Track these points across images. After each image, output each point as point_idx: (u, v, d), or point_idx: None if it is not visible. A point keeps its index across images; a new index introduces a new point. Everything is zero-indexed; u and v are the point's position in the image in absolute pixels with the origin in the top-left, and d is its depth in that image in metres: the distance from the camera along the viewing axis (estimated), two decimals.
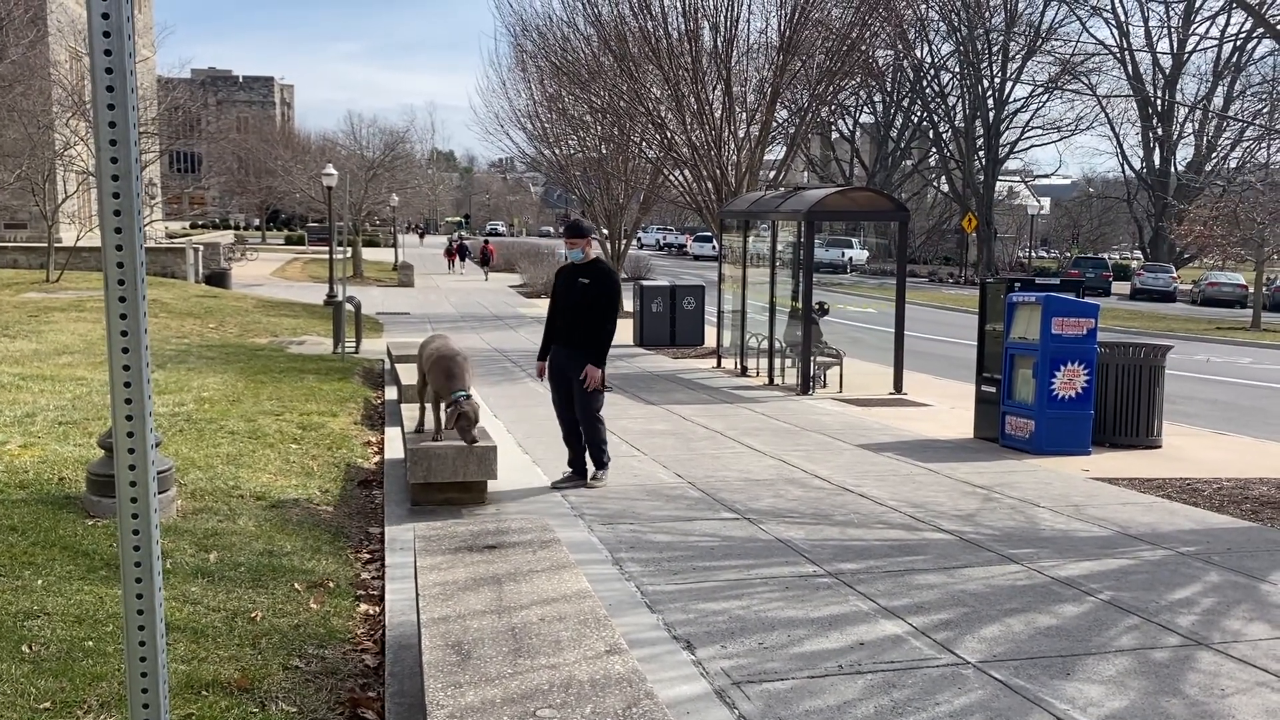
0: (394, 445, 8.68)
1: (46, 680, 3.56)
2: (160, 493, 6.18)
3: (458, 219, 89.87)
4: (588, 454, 7.39)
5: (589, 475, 7.37)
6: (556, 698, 2.57)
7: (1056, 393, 9.15)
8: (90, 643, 3.92)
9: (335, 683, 3.95)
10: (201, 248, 32.20)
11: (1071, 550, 5.83)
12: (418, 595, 3.52)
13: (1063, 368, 9.15)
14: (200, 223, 68.00)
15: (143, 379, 1.84)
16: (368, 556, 5.84)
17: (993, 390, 9.82)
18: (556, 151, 29.22)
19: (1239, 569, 5.52)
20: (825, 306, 14.26)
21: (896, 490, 7.40)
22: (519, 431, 9.63)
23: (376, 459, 8.54)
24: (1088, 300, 9.61)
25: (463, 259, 51.57)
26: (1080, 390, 9.19)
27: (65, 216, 28.50)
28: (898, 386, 13.38)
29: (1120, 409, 9.65)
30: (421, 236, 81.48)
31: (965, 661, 4.09)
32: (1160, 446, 9.62)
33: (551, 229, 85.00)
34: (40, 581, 4.56)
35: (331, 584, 5.12)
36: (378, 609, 4.90)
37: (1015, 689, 3.83)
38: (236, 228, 69.56)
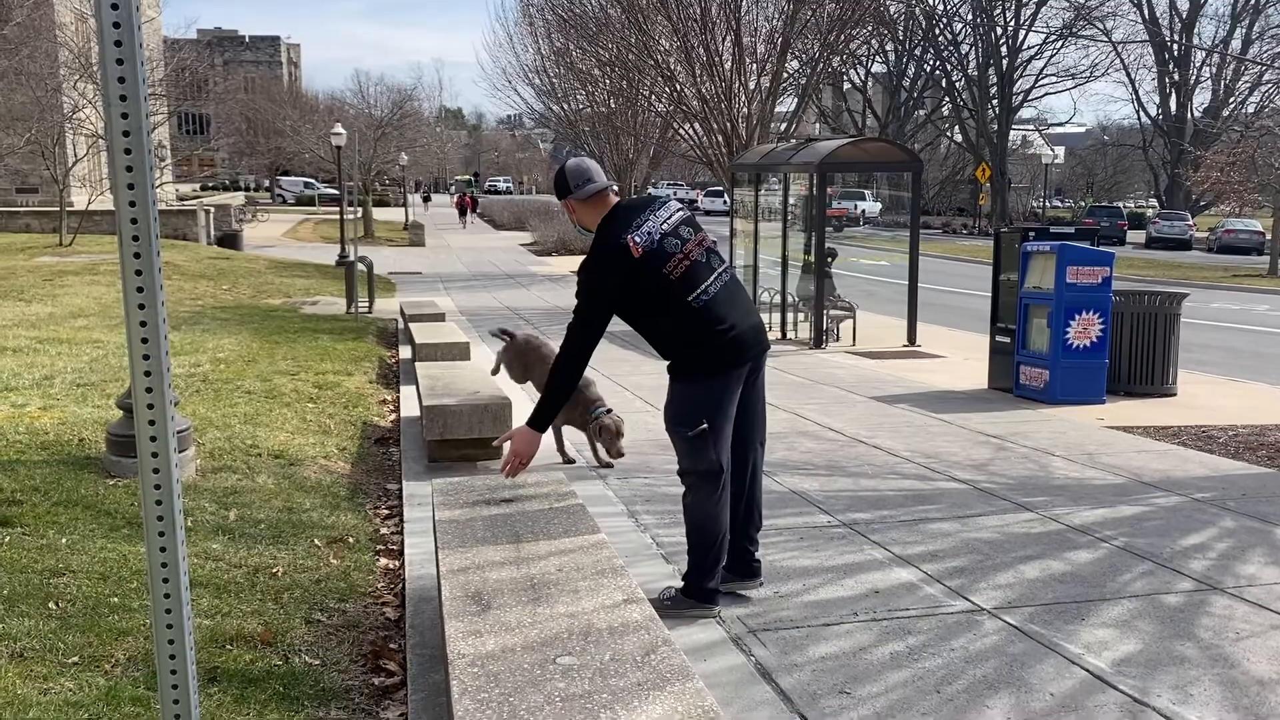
0: (409, 403, 8.73)
1: (74, 636, 3.62)
2: (179, 452, 6.26)
3: (467, 177, 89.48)
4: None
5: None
6: (576, 644, 2.61)
7: (1071, 342, 9.11)
8: (115, 599, 3.99)
9: (357, 635, 4.01)
10: (213, 209, 32.19)
11: (1085, 498, 5.84)
12: (437, 548, 3.56)
13: (1077, 317, 9.11)
14: (210, 185, 67.85)
15: (160, 339, 1.86)
16: (386, 512, 5.90)
17: (1007, 340, 9.79)
18: (565, 107, 29.07)
19: (1254, 514, 5.53)
20: (834, 253, 14.16)
21: (910, 441, 7.41)
22: (532, 389, 9.65)
23: (392, 417, 8.59)
24: (1102, 249, 9.54)
25: (474, 210, 52.50)
26: (1095, 339, 9.15)
27: (76, 180, 28.49)
28: (911, 339, 13.35)
29: (1135, 357, 9.61)
30: (426, 200, 68.35)
31: (979, 608, 4.13)
32: (1175, 395, 9.59)
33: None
34: (64, 540, 4.63)
35: (351, 539, 5.18)
36: (397, 563, 4.95)
37: (1029, 634, 3.86)
38: (246, 189, 69.40)
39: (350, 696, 3.48)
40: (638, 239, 3.86)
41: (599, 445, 6.60)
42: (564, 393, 4.01)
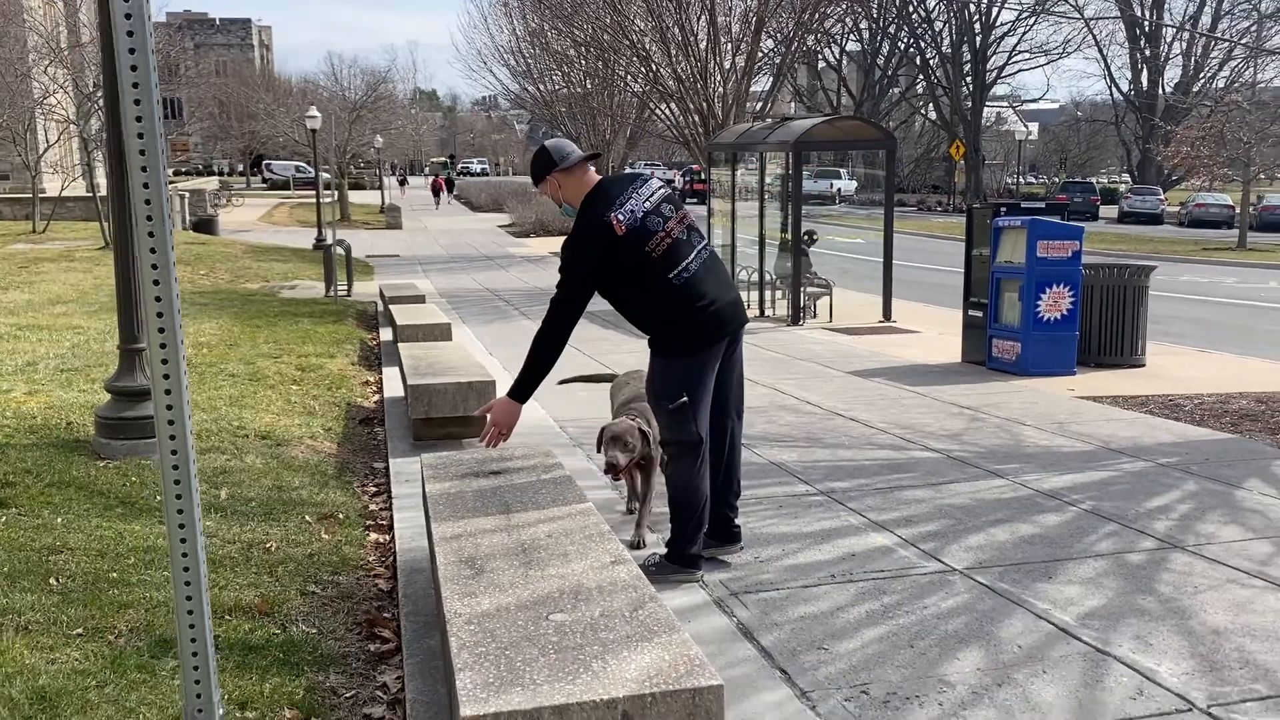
0: (392, 384, 8.82)
1: (76, 609, 3.73)
2: None
3: (443, 159, 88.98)
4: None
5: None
6: (567, 603, 2.75)
7: (1042, 315, 9.30)
8: (114, 574, 4.09)
9: (351, 605, 4.13)
10: (187, 194, 31.97)
11: (1055, 464, 6.03)
12: (429, 518, 3.68)
13: (1048, 290, 9.29)
14: (184, 169, 67.23)
15: (175, 324, 1.96)
16: (374, 489, 6.01)
17: (979, 314, 9.97)
18: (541, 88, 28.99)
19: (1216, 477, 5.73)
20: (814, 235, 14.33)
21: (885, 413, 7.58)
22: (515, 368, 9.76)
23: (375, 398, 8.68)
24: (1072, 223, 9.72)
25: (450, 191, 53.12)
26: (1065, 312, 9.34)
27: (48, 166, 28.24)
28: (886, 315, 13.53)
29: (1105, 329, 9.82)
30: (403, 184, 64.84)
31: (951, 568, 4.29)
32: (1144, 365, 9.80)
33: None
34: (59, 519, 4.72)
35: (341, 515, 5.29)
36: (387, 537, 5.07)
37: (999, 592, 4.03)
38: (220, 174, 68.83)
39: (348, 662, 3.60)
40: (620, 217, 3.97)
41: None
42: (545, 366, 4.10)
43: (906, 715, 3.06)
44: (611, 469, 4.43)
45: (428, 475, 4.17)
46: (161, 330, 1.95)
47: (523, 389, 4.13)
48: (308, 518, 5.19)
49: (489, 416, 4.18)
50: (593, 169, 4.24)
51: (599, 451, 4.54)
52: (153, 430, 6.15)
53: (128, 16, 1.77)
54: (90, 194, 23.56)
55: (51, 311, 12.66)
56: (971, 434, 6.90)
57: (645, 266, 3.98)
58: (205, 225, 30.14)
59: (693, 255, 4.08)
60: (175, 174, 61.48)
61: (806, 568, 4.32)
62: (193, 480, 2.11)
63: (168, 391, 1.99)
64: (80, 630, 3.56)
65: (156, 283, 1.94)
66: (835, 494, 5.41)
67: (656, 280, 4.00)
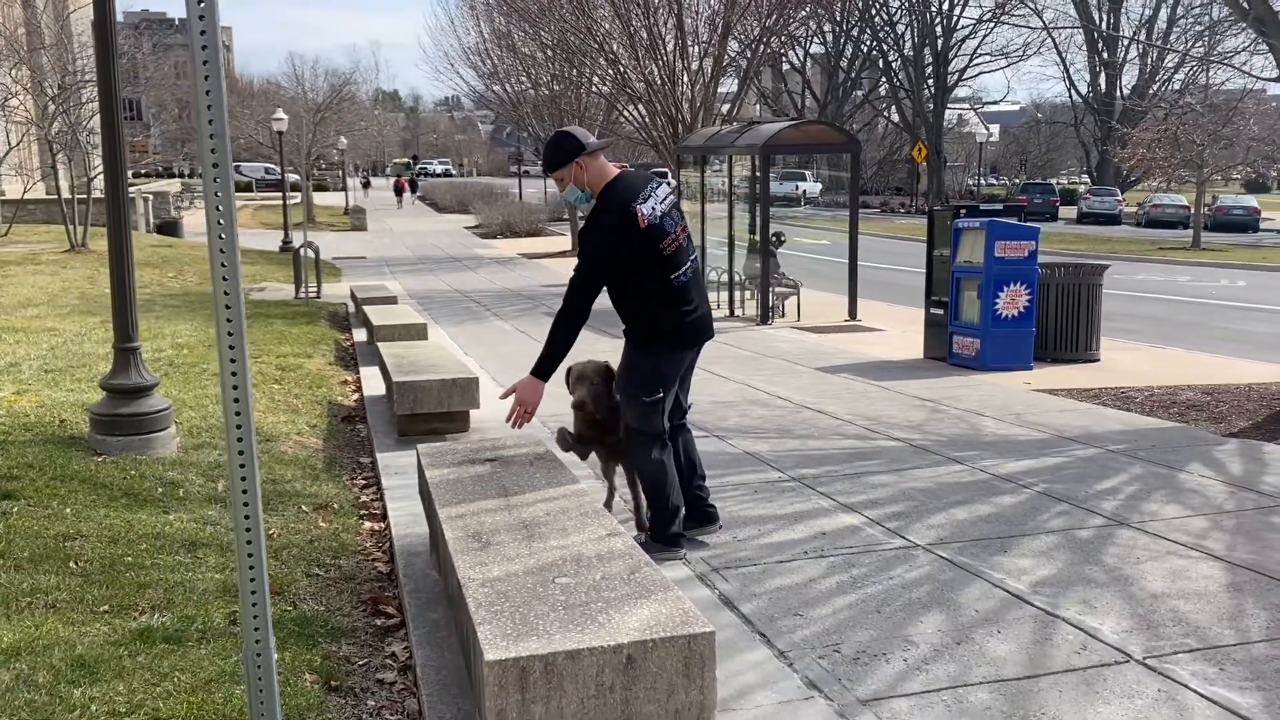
0: (371, 383, 9.05)
1: (98, 589, 3.95)
2: (161, 430, 6.54)
3: (405, 160, 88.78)
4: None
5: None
6: (570, 569, 3.03)
7: (1000, 312, 9.70)
8: (130, 559, 4.31)
9: (354, 586, 4.38)
10: (151, 197, 31.82)
11: (1011, 451, 6.39)
12: (432, 500, 3.94)
13: (1006, 288, 9.69)
14: (144, 171, 66.59)
15: (241, 334, 2.20)
16: (363, 482, 6.25)
17: (940, 312, 10.36)
18: (508, 88, 29.15)
19: (1160, 461, 6.11)
20: (782, 237, 14.71)
21: (852, 406, 7.92)
22: (491, 367, 10.02)
23: (355, 396, 8.90)
24: (1029, 224, 10.14)
25: (413, 191, 54.50)
26: (1022, 309, 9.75)
27: (8, 169, 28.01)
28: (852, 314, 13.93)
29: (1061, 326, 10.24)
30: (366, 186, 63.62)
31: (914, 544, 4.62)
32: (1099, 360, 10.23)
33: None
34: (68, 510, 4.93)
35: (335, 506, 5.53)
36: (381, 525, 5.32)
37: (958, 564, 4.36)
38: (181, 175, 68.16)
39: (357, 635, 3.86)
40: (644, 211, 4.20)
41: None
42: (565, 345, 4.24)
43: (875, 669, 3.38)
44: (580, 406, 4.58)
45: (426, 463, 4.43)
46: (230, 334, 2.19)
47: (545, 367, 4.26)
48: (304, 508, 5.42)
49: (513, 397, 4.27)
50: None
51: (570, 391, 4.66)
52: (147, 426, 6.37)
53: (202, 33, 2.03)
54: (54, 196, 23.45)
55: (24, 314, 12.72)
56: (933, 424, 7.26)
57: (655, 263, 4.23)
58: (169, 228, 30.06)
59: (689, 262, 4.38)
60: (135, 176, 60.89)
61: (781, 545, 4.63)
62: (255, 474, 2.36)
63: (235, 387, 2.23)
64: (106, 607, 3.79)
65: (228, 307, 2.17)
66: (806, 480, 5.73)
67: (660, 278, 4.25)
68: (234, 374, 2.20)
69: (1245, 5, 7.58)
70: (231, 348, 2.17)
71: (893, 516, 5.04)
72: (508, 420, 4.32)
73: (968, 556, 4.46)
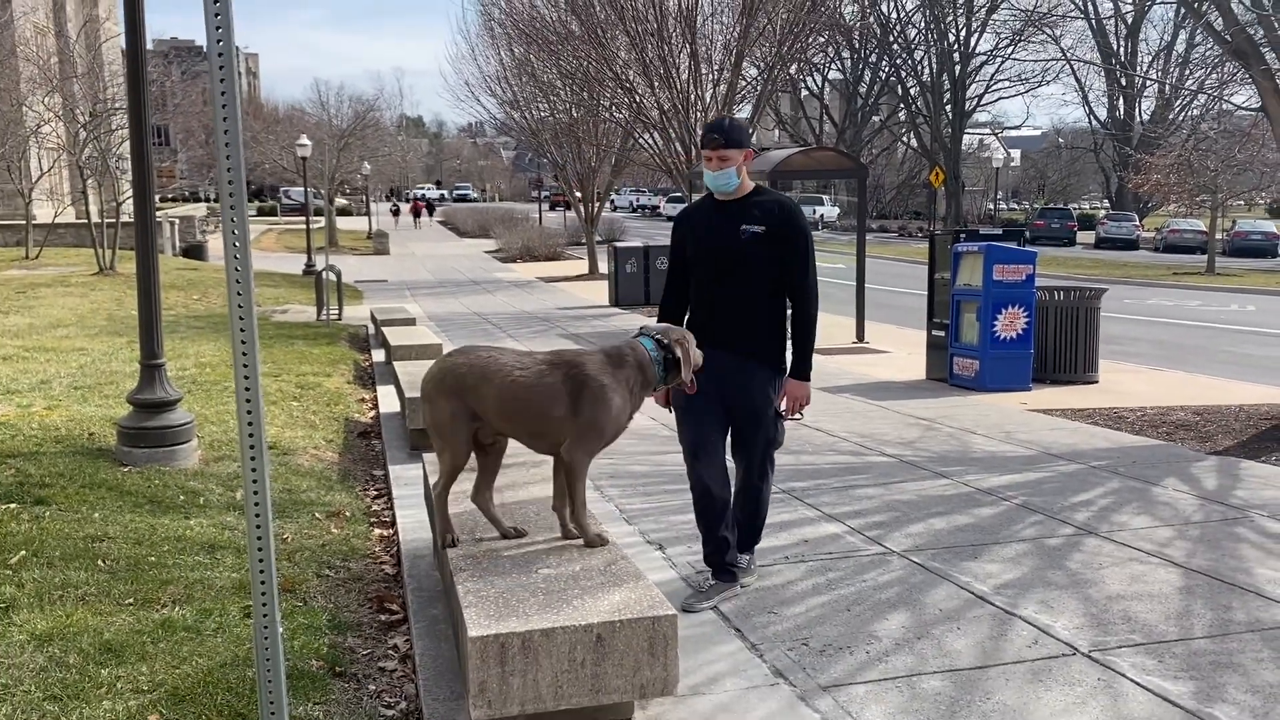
0: (387, 400, 9.39)
1: (124, 585, 4.27)
2: (184, 443, 6.89)
3: (427, 186, 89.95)
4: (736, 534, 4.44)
5: (736, 571, 4.40)
6: (552, 561, 3.32)
7: (999, 334, 9.94)
8: (153, 559, 4.63)
9: (362, 586, 4.68)
10: (177, 221, 32.49)
11: (997, 467, 6.63)
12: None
13: (1004, 311, 9.94)
14: (170, 196, 67.73)
15: (254, 351, 2.51)
16: (375, 493, 6.56)
17: (942, 334, 10.61)
18: (527, 116, 29.60)
19: (1138, 476, 6.34)
20: None
21: (849, 424, 8.18)
22: None
23: (371, 414, 9.23)
24: (1027, 249, 10.39)
25: (430, 214, 58.35)
26: (1020, 331, 9.99)
27: (40, 193, 28.76)
28: (860, 336, 14.18)
29: (1059, 348, 10.47)
30: (396, 214, 62.97)
31: (891, 551, 4.88)
32: (1097, 382, 10.44)
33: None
34: (97, 514, 5.26)
35: (347, 513, 5.84)
36: (390, 532, 5.62)
37: (930, 569, 4.62)
38: (207, 200, 69.30)
39: (362, 629, 4.15)
40: None
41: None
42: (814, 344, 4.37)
43: (838, 660, 3.64)
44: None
45: (430, 470, 4.72)
46: (244, 351, 2.50)
47: (808, 367, 4.36)
48: (317, 515, 5.74)
49: (786, 398, 4.30)
50: None
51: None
52: (170, 439, 6.73)
53: (221, 66, 2.35)
54: (84, 220, 24.06)
55: (54, 334, 13.16)
56: (925, 442, 7.50)
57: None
58: (195, 251, 30.68)
59: None
60: (162, 200, 61.90)
61: (763, 551, 4.88)
62: (266, 481, 2.66)
63: (248, 400, 2.54)
64: (131, 600, 4.10)
65: (243, 329, 2.47)
66: (795, 491, 5.99)
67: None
68: (245, 368, 2.50)
69: (1227, 37, 7.83)
70: (244, 346, 2.48)
71: (873, 526, 5.29)
72: (789, 415, 4.35)
73: (940, 562, 4.71)
